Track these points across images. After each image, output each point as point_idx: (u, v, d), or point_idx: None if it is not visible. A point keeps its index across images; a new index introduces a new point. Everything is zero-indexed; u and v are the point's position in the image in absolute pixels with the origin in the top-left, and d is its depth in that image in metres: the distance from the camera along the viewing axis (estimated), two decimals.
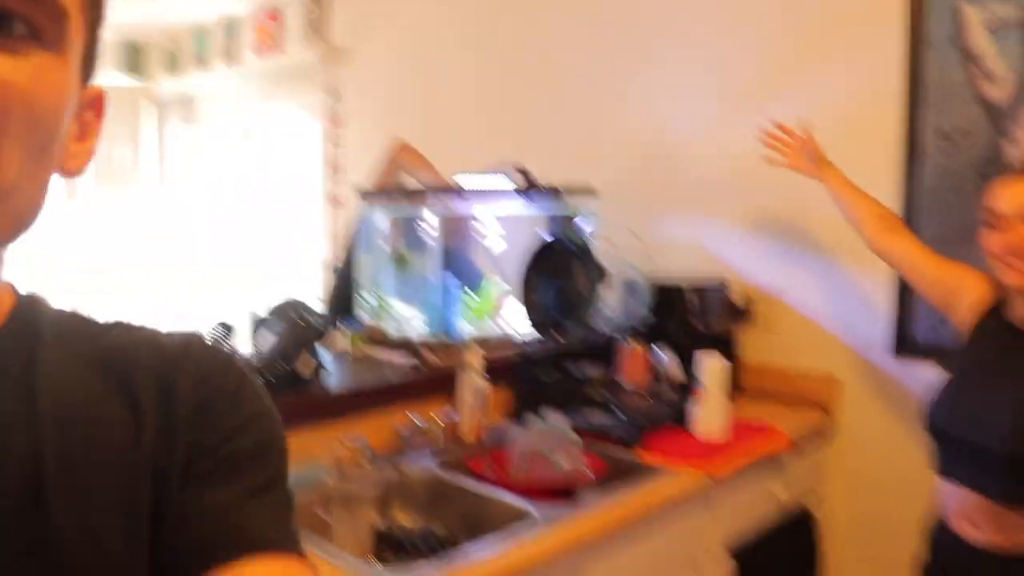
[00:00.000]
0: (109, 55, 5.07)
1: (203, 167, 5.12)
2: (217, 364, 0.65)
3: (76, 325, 0.64)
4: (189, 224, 5.11)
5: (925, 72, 2.23)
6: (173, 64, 5.16)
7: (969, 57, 2.15)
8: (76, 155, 0.62)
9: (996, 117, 2.13)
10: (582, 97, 3.01)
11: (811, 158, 2.17)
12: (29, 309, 0.62)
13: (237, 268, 4.90)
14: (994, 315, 1.78)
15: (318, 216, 4.24)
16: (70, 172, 0.62)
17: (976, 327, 1.81)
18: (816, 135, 2.21)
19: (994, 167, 2.13)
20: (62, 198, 4.93)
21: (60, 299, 0.66)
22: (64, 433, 0.56)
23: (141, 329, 0.66)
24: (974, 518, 1.68)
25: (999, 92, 2.12)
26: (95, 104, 0.64)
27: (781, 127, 2.24)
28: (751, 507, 2.17)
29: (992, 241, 1.65)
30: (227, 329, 2.02)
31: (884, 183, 2.29)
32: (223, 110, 4.97)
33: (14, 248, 0.58)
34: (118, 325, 0.66)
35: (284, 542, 0.59)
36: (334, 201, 4.11)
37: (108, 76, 5.04)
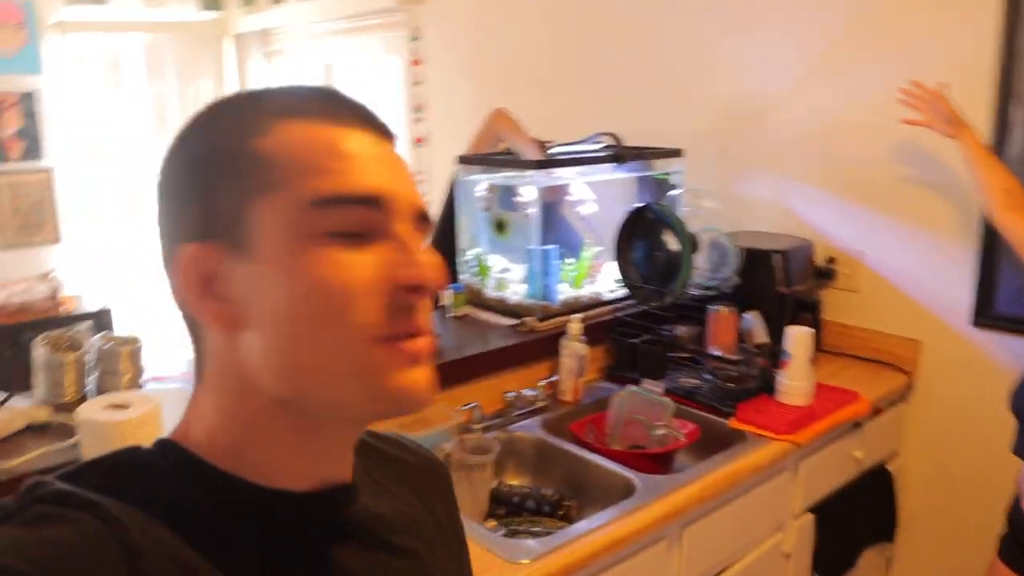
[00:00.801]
0: None
1: None
2: None
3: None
4: None
5: (1019, 41, 2.25)
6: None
7: None
8: None
9: None
10: (667, 58, 3.06)
11: (946, 118, 2.19)
12: None
13: None
14: None
15: (401, 155, 4.35)
16: None
17: None
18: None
19: None
20: (152, 132, 5.11)
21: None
22: None
23: None
24: None
25: None
26: None
27: (918, 84, 2.26)
28: (832, 468, 2.32)
29: None
30: None
31: None
32: (303, 46, 5.06)
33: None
34: None
35: None
36: (416, 140, 4.22)
37: (187, 11, 5.15)
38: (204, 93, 5.22)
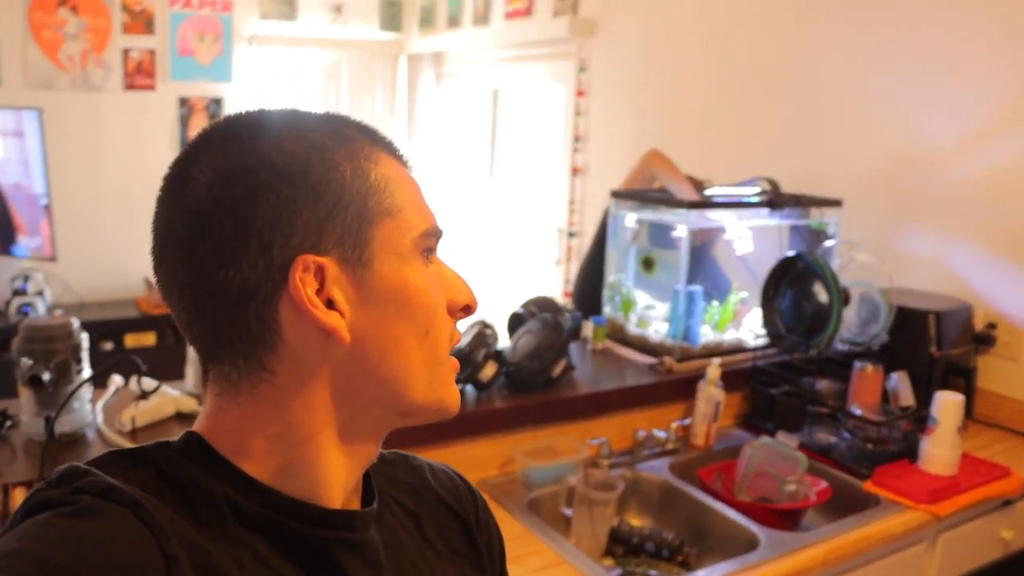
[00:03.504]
0: (369, 10, 5.40)
1: (450, 124, 5.40)
2: None
3: None
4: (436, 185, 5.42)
5: None
6: (427, 21, 5.44)
7: None
8: None
9: None
10: (834, 103, 3.00)
11: None
12: None
13: (480, 230, 5.19)
14: None
15: (557, 183, 4.43)
16: None
17: None
18: None
19: None
20: None
21: None
22: None
23: None
24: None
25: None
26: None
27: None
28: (974, 546, 2.21)
29: None
30: (486, 327, 2.23)
31: None
32: (473, 70, 5.21)
33: None
34: None
35: None
36: (573, 169, 4.28)
37: (370, 29, 5.39)
38: (377, 108, 5.45)
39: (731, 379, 2.41)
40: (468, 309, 0.75)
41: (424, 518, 0.83)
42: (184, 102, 4.89)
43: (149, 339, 4.60)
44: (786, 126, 3.17)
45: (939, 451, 2.17)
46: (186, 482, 0.66)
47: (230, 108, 4.97)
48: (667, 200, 2.55)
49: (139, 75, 4.77)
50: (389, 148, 0.73)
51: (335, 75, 5.35)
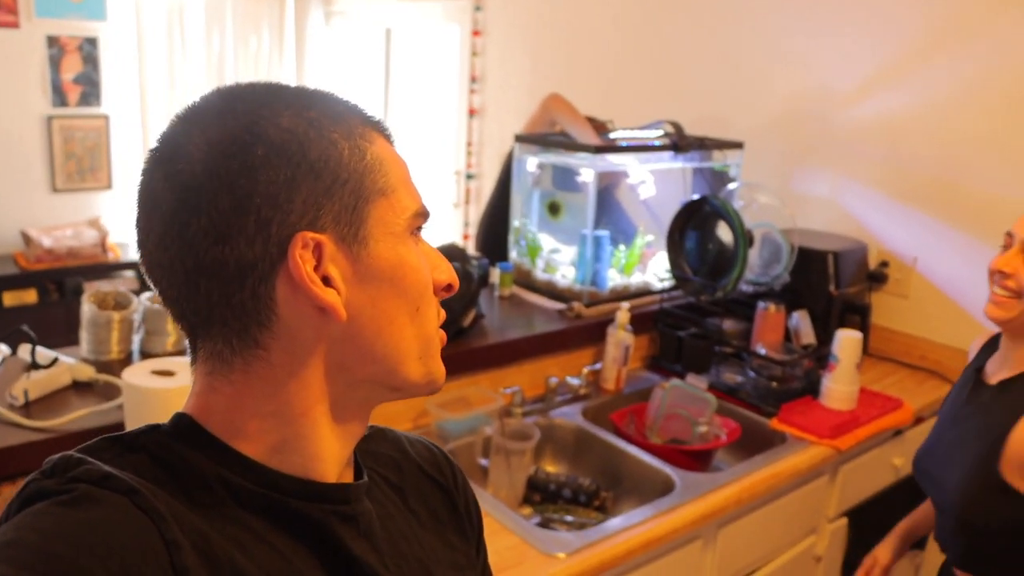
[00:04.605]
0: None
1: (341, 66, 5.24)
2: None
3: None
4: None
5: None
6: None
7: None
8: None
9: None
10: (733, 47, 3.01)
11: None
12: None
13: None
14: (985, 349, 1.74)
15: (453, 125, 4.35)
16: None
17: (972, 362, 1.76)
18: (989, 108, 2.31)
19: None
20: (209, 86, 5.13)
21: None
22: None
23: None
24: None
25: None
26: None
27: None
28: (870, 474, 2.31)
29: (994, 259, 1.63)
30: None
31: None
32: (364, 9, 5.05)
33: None
34: None
35: None
36: (470, 111, 4.21)
37: None
38: (263, 49, 5.23)
39: (639, 322, 2.43)
40: (450, 288, 0.76)
41: (407, 490, 0.85)
42: (53, 41, 4.57)
43: (30, 296, 4.33)
44: (688, 68, 3.17)
45: (839, 387, 2.24)
46: (180, 466, 0.65)
47: (106, 49, 4.69)
48: (573, 145, 2.53)
49: (0, 11, 4.43)
50: (379, 127, 0.73)
51: (218, 15, 5.09)
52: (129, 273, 4.59)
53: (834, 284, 2.50)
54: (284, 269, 0.65)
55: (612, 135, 2.61)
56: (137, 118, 4.91)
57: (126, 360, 1.88)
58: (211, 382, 0.69)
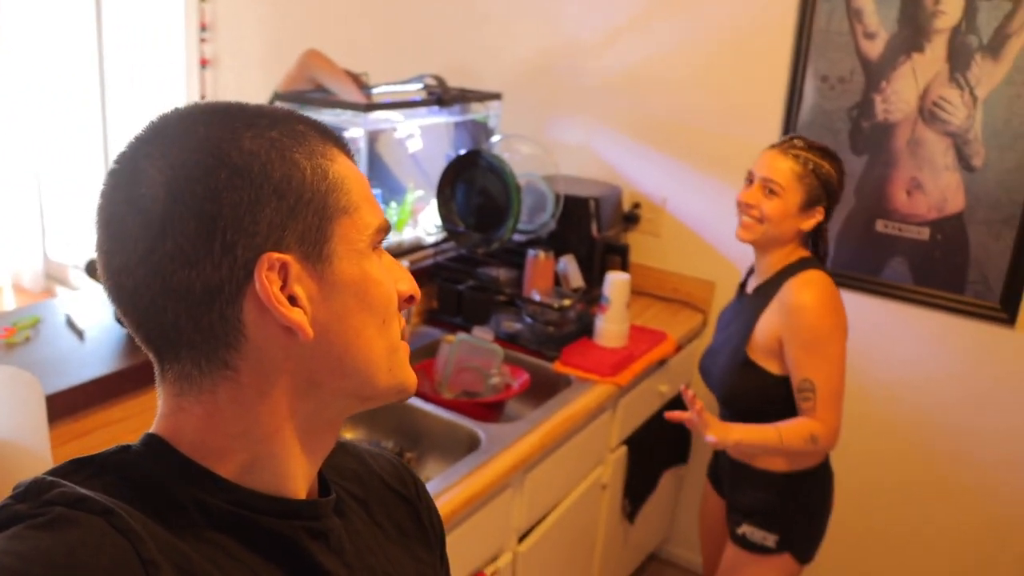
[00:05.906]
0: None
1: (42, 25, 4.74)
2: None
3: None
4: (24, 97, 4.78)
5: (815, 18, 2.45)
6: None
7: (853, 11, 2.39)
8: None
9: (869, 71, 2.41)
10: (479, 1, 3.05)
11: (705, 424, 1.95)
12: None
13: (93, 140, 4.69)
14: (749, 272, 2.11)
15: (183, 79, 4.10)
16: None
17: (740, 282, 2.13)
18: (708, 56, 2.57)
19: (862, 114, 2.42)
20: None
21: None
22: None
23: None
24: None
25: (873, 48, 2.39)
26: None
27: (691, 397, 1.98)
28: (642, 403, 2.50)
29: (739, 193, 1.97)
30: None
31: (767, 114, 2.55)
32: None
33: None
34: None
35: None
36: (201, 62, 3.98)
37: None
38: None
39: (418, 280, 2.43)
40: (412, 299, 0.77)
41: (372, 503, 0.85)
42: None
43: None
44: (434, 19, 3.17)
45: (613, 327, 2.40)
46: (151, 487, 0.65)
47: None
48: (339, 103, 2.48)
49: None
50: (339, 143, 0.73)
51: None
52: None
53: (596, 228, 2.65)
54: (251, 290, 0.65)
55: (374, 91, 2.58)
56: None
57: None
58: (180, 403, 0.68)
